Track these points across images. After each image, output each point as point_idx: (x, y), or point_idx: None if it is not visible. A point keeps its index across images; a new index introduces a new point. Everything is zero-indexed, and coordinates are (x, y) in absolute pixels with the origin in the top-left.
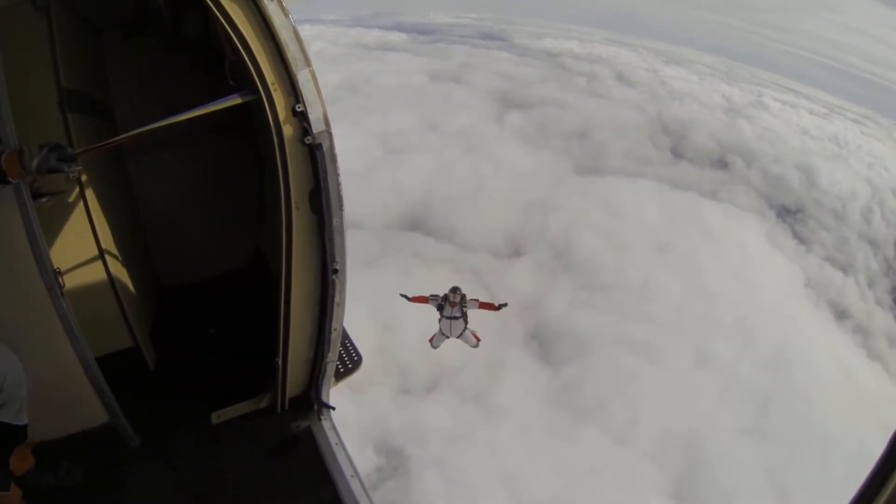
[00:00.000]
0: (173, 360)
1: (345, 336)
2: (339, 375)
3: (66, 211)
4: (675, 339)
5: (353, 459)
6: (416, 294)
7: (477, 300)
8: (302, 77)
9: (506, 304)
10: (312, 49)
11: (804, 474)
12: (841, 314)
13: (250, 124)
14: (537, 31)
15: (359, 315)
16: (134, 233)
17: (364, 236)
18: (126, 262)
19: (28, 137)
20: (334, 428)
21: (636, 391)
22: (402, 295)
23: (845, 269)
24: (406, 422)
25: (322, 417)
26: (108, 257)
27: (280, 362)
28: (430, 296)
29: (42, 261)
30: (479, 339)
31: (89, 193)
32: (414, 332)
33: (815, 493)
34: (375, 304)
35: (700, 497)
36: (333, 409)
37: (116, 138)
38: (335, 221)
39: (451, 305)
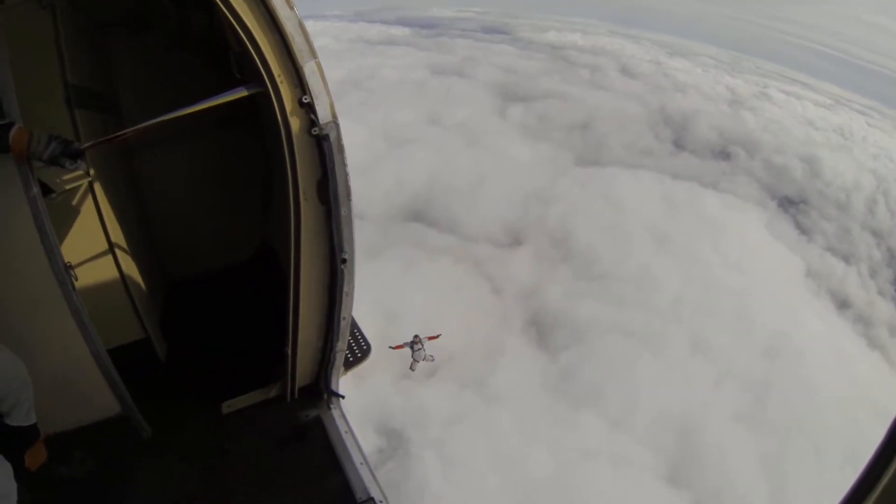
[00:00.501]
0: (183, 351)
1: (354, 325)
2: (349, 364)
3: (76, 206)
4: (672, 328)
5: (363, 448)
6: (397, 344)
7: (427, 337)
8: (308, 69)
9: (440, 334)
10: (315, 45)
11: (799, 461)
12: (842, 304)
13: (256, 117)
14: (541, 24)
15: (361, 304)
16: (142, 226)
17: (367, 228)
18: (135, 256)
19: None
20: (344, 416)
21: (633, 378)
22: (389, 346)
23: (847, 258)
24: (406, 405)
25: (331, 406)
26: (117, 251)
27: (289, 352)
28: (404, 343)
29: (53, 255)
30: (433, 358)
31: (98, 188)
32: (414, 321)
33: (809, 481)
34: (378, 294)
35: (694, 481)
36: (343, 397)
37: (123, 132)
38: (343, 211)
39: (416, 344)
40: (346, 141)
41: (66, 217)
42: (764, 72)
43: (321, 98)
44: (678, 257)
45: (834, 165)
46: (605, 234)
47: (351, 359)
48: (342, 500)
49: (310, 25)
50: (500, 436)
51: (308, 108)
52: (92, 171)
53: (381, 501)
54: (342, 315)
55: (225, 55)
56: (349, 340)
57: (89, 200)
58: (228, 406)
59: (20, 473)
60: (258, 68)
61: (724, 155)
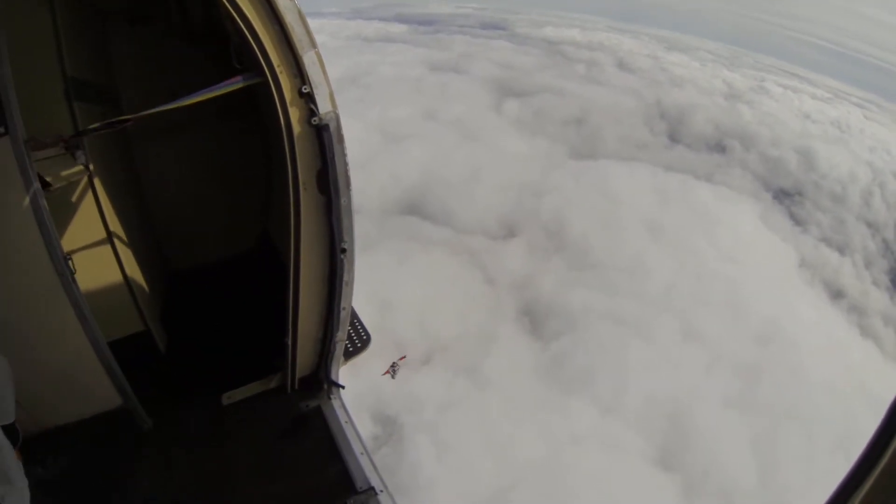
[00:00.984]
0: (184, 343)
1: (353, 315)
2: (349, 354)
3: (75, 197)
4: (664, 315)
5: (363, 437)
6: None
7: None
8: (308, 59)
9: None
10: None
11: (789, 445)
12: (836, 294)
13: (256, 108)
14: (539, 19)
15: (358, 295)
16: (142, 218)
17: (363, 221)
18: (135, 247)
19: (35, 127)
20: (344, 406)
21: (624, 364)
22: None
23: (842, 249)
24: (401, 392)
25: (332, 396)
26: (117, 242)
27: (289, 342)
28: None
29: (53, 247)
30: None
31: (97, 180)
32: (410, 312)
33: (800, 464)
34: (374, 285)
35: (684, 464)
36: (343, 387)
37: (122, 118)
38: (343, 201)
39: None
40: (347, 151)
41: (65, 210)
42: (762, 66)
43: (321, 88)
44: (671, 247)
45: (830, 158)
46: (599, 225)
47: (351, 349)
48: (343, 490)
49: None
50: (492, 420)
51: (308, 98)
52: (91, 164)
53: (381, 491)
54: (342, 305)
55: (225, 46)
56: (349, 331)
57: (89, 193)
58: (229, 397)
59: None
60: (258, 58)
61: (719, 148)
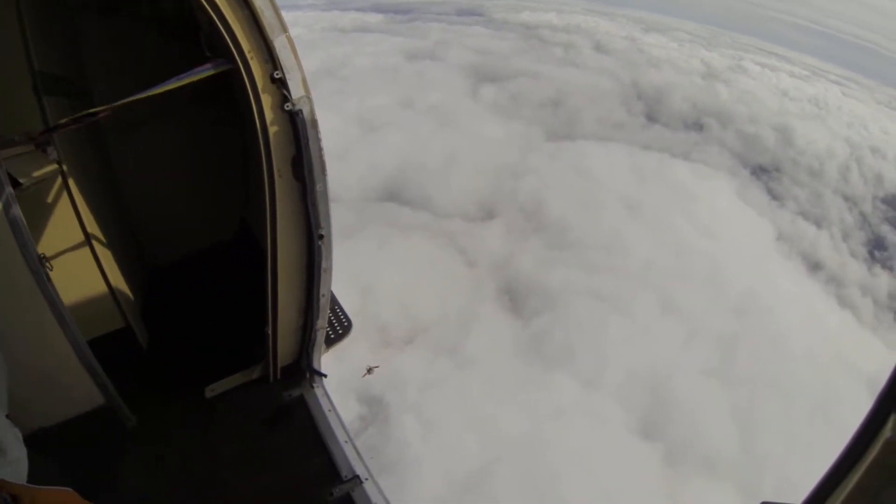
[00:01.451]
0: (165, 337)
1: (334, 302)
2: (330, 342)
3: (48, 195)
4: (643, 291)
5: (347, 425)
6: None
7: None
8: (279, 43)
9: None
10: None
11: (769, 412)
12: (814, 266)
13: (232, 96)
14: (517, 4)
15: (338, 282)
16: (118, 212)
17: (342, 210)
18: (112, 243)
19: (2, 124)
20: (327, 395)
21: (604, 339)
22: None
23: (819, 222)
24: (386, 373)
25: (314, 385)
26: (93, 239)
27: (270, 332)
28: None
29: (26, 248)
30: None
31: (70, 176)
32: (391, 296)
33: (779, 430)
34: (354, 272)
35: (666, 434)
36: (325, 376)
37: (93, 110)
38: (318, 187)
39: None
40: (320, 128)
41: (38, 209)
42: (740, 45)
43: (293, 73)
44: (649, 224)
45: (807, 134)
46: (576, 204)
47: (332, 336)
48: (328, 479)
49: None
50: (475, 398)
51: (280, 84)
52: (63, 161)
53: (366, 479)
54: (321, 292)
55: (197, 35)
56: (330, 318)
57: (62, 190)
58: (212, 390)
59: None
60: (228, 45)
61: (696, 126)
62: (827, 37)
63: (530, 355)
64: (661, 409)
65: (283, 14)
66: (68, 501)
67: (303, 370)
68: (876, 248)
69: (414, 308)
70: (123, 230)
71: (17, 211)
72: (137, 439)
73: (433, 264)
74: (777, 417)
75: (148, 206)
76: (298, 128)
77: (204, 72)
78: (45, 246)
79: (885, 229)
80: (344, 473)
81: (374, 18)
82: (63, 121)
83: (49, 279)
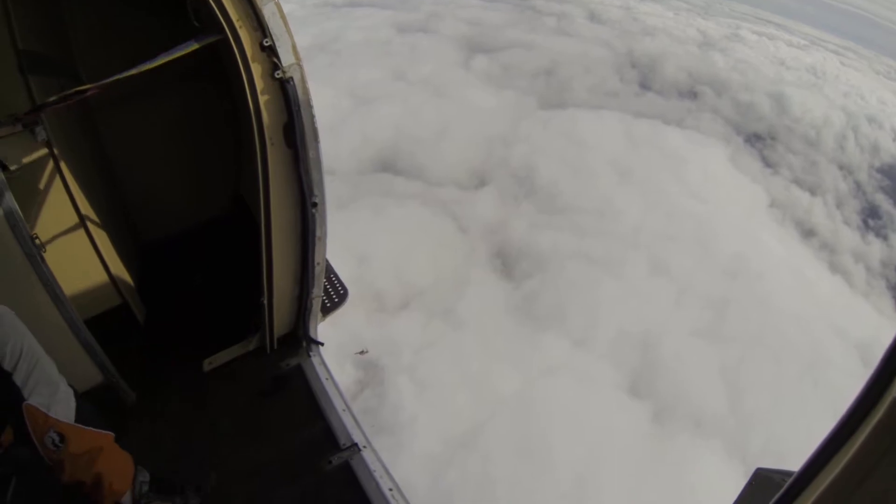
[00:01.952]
0: (162, 312)
1: (329, 270)
2: (326, 310)
3: (38, 176)
4: (633, 253)
5: (344, 393)
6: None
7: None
8: (268, 10)
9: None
10: None
11: (757, 373)
12: (807, 233)
13: (221, 67)
14: None
15: (333, 251)
16: (110, 190)
17: (337, 183)
18: (105, 221)
19: None
20: (324, 363)
21: (594, 299)
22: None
23: (813, 190)
24: (380, 337)
25: (311, 354)
26: (85, 218)
27: (265, 302)
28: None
29: (18, 229)
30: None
31: (60, 156)
32: (386, 263)
33: (766, 390)
34: (350, 241)
35: (655, 392)
36: (322, 344)
37: (80, 88)
38: (311, 154)
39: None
40: (313, 102)
41: (28, 189)
42: (737, 14)
43: (283, 40)
44: (640, 189)
45: (804, 102)
46: (567, 170)
47: (328, 304)
48: (326, 447)
49: None
50: (467, 358)
51: (270, 52)
52: (53, 140)
53: (364, 447)
54: (316, 260)
55: (184, 7)
56: (326, 286)
57: (52, 170)
58: (210, 363)
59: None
60: (216, 15)
61: (690, 94)
62: (826, 6)
63: (522, 316)
64: (651, 368)
65: None
66: (106, 445)
67: (299, 339)
68: (870, 217)
69: (408, 274)
70: (116, 208)
71: (7, 193)
72: (137, 415)
73: (427, 231)
74: (765, 378)
75: (140, 183)
76: (289, 95)
77: (192, 45)
78: (38, 227)
79: (880, 198)
80: (342, 441)
81: None
82: (50, 100)
83: (43, 260)
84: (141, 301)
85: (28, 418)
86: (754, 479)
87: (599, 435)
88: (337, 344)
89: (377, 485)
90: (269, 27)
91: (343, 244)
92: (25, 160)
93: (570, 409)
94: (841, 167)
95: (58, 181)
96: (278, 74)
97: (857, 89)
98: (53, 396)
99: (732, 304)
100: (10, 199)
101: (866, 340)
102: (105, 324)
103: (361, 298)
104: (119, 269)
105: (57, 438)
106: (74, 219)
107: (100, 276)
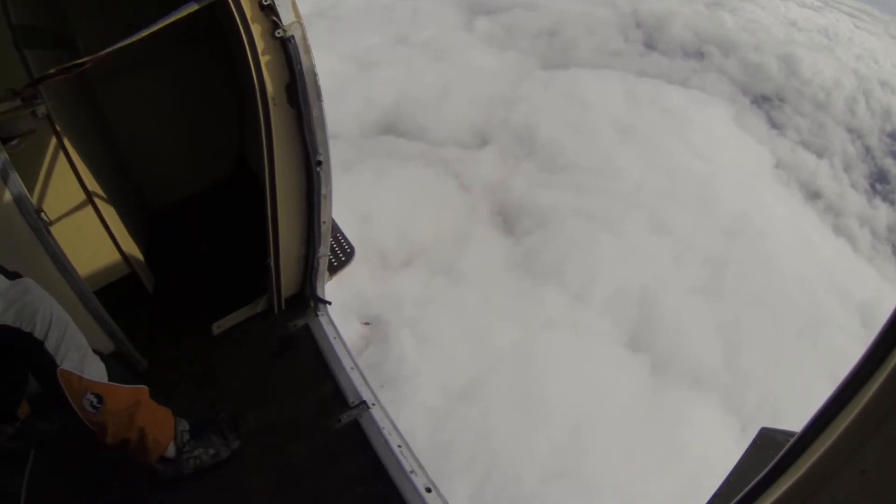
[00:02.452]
0: (170, 280)
1: (336, 229)
2: (333, 269)
3: (40, 150)
4: (633, 211)
5: (352, 351)
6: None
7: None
8: None
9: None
10: None
11: (755, 330)
12: (813, 195)
13: (219, 29)
14: None
15: (340, 212)
16: (113, 161)
17: (341, 146)
18: (109, 192)
19: None
20: (332, 322)
21: (593, 256)
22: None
23: (820, 153)
24: (383, 293)
25: (319, 313)
26: (90, 189)
27: (272, 263)
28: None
29: (22, 203)
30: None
31: (61, 129)
32: (390, 222)
33: (763, 347)
34: (354, 202)
35: (653, 346)
36: (329, 303)
37: (77, 61)
38: (314, 112)
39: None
40: (315, 61)
41: (31, 163)
42: None
43: None
44: (641, 148)
45: (814, 64)
46: (569, 130)
47: (335, 263)
48: (335, 406)
49: None
50: (468, 313)
51: (269, 10)
52: (53, 114)
53: (373, 404)
54: (322, 219)
55: None
56: (332, 245)
57: (54, 143)
58: (218, 327)
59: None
60: None
61: (697, 55)
62: None
63: (522, 272)
64: (649, 324)
65: None
66: (143, 399)
67: (307, 299)
68: (878, 182)
69: (412, 232)
70: (120, 178)
71: (9, 168)
72: (149, 382)
73: (429, 191)
74: (763, 336)
75: (143, 153)
76: (291, 54)
77: (191, 6)
78: (42, 201)
79: (889, 163)
80: (351, 399)
81: None
82: (48, 73)
83: (49, 233)
84: (149, 269)
85: (64, 383)
86: (759, 438)
87: (597, 387)
88: (342, 302)
89: (386, 442)
90: None
91: (348, 205)
92: (26, 135)
93: (568, 362)
94: (850, 130)
95: (60, 154)
96: (279, 33)
97: (871, 52)
98: (84, 360)
99: (733, 263)
100: (13, 175)
101: (868, 303)
102: (114, 294)
103: (366, 257)
104: (126, 238)
105: (95, 400)
106: (79, 191)
107: (107, 247)
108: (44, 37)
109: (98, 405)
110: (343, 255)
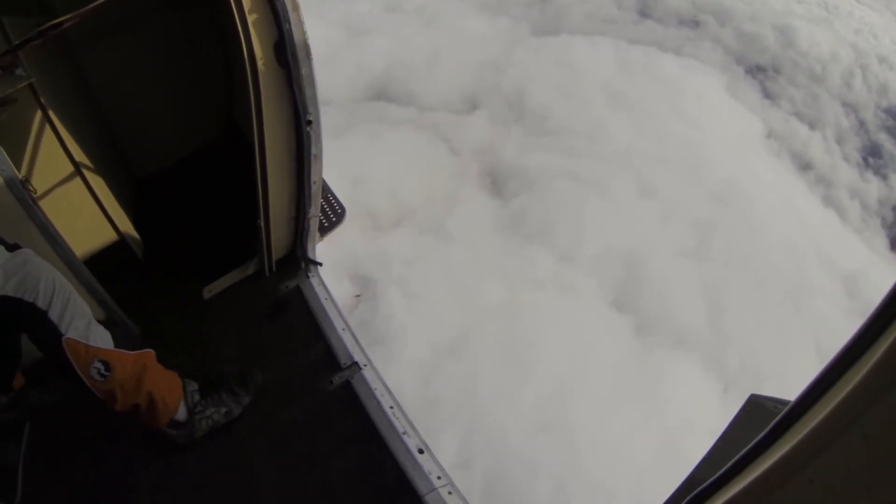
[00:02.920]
0: (160, 246)
1: (326, 190)
2: (324, 230)
3: (23, 119)
4: (621, 174)
5: (343, 312)
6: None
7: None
8: None
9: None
10: None
11: (739, 293)
12: (804, 165)
13: None
14: None
15: (332, 175)
16: (98, 127)
17: (333, 111)
18: (95, 159)
19: None
20: (323, 283)
21: (581, 217)
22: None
23: (813, 124)
24: (373, 253)
25: (310, 275)
26: (76, 157)
27: (262, 224)
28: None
29: (7, 174)
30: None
31: (44, 97)
32: (381, 184)
33: (747, 311)
34: (346, 166)
35: (638, 307)
36: (320, 265)
37: (54, 22)
38: (304, 71)
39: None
40: (303, 18)
41: (14, 133)
42: None
43: None
44: (631, 114)
45: (811, 36)
46: (559, 95)
47: (326, 224)
48: (327, 367)
49: None
50: (455, 271)
51: None
52: (35, 80)
53: (364, 365)
54: (312, 179)
55: None
56: (323, 206)
57: (37, 111)
58: (209, 290)
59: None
60: None
61: (692, 23)
62: None
63: (509, 233)
64: (635, 284)
65: None
66: (150, 363)
67: (298, 261)
68: (871, 155)
69: (402, 194)
70: (106, 144)
71: None
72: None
73: (420, 154)
74: (747, 300)
75: (129, 117)
76: (279, 12)
77: None
78: (27, 170)
79: (883, 137)
80: (342, 361)
81: None
82: (26, 37)
83: (35, 202)
84: (139, 236)
85: (70, 352)
86: (748, 405)
87: (582, 345)
88: (334, 261)
89: (378, 403)
90: None
91: (339, 169)
92: (7, 105)
93: (554, 320)
94: (845, 104)
95: (44, 122)
96: None
97: (871, 27)
98: (90, 327)
99: (720, 228)
100: None
101: (853, 273)
102: (104, 262)
103: (357, 218)
104: (114, 205)
105: (102, 367)
106: (64, 159)
107: (95, 215)
108: (20, 2)
109: (106, 373)
110: (334, 215)
